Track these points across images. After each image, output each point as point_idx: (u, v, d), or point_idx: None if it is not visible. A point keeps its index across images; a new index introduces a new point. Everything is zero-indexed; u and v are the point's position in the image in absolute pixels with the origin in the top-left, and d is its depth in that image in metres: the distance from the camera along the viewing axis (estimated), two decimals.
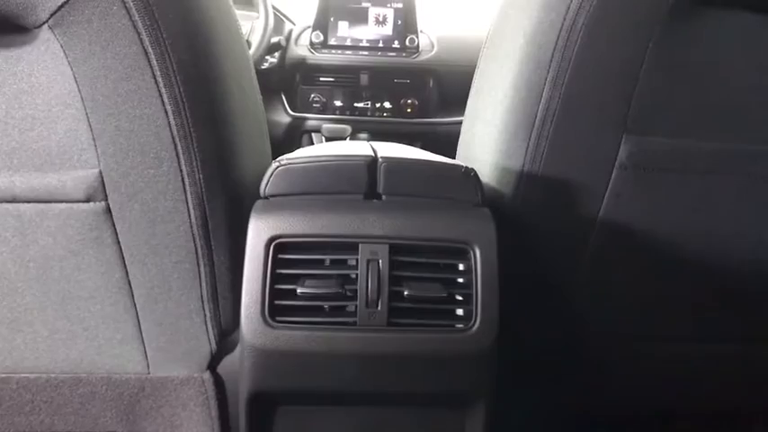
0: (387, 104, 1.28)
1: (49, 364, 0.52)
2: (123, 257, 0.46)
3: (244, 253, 0.44)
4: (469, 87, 1.39)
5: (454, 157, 1.40)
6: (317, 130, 1.31)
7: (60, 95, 0.41)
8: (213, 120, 0.45)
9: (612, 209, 0.48)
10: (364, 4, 1.27)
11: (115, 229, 0.45)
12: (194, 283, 0.48)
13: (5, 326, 0.49)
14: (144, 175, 0.44)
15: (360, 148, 0.54)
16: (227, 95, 0.47)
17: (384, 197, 0.46)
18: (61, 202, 0.44)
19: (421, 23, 1.30)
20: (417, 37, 1.27)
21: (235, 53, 0.51)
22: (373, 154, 0.47)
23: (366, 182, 0.45)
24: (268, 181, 0.45)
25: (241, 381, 0.45)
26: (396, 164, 0.46)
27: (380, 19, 1.27)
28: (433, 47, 1.29)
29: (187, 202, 0.45)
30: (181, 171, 0.44)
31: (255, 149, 0.56)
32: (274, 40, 1.21)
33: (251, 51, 1.14)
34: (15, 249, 0.46)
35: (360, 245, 0.43)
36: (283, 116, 1.30)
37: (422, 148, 1.30)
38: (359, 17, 1.28)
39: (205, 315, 0.50)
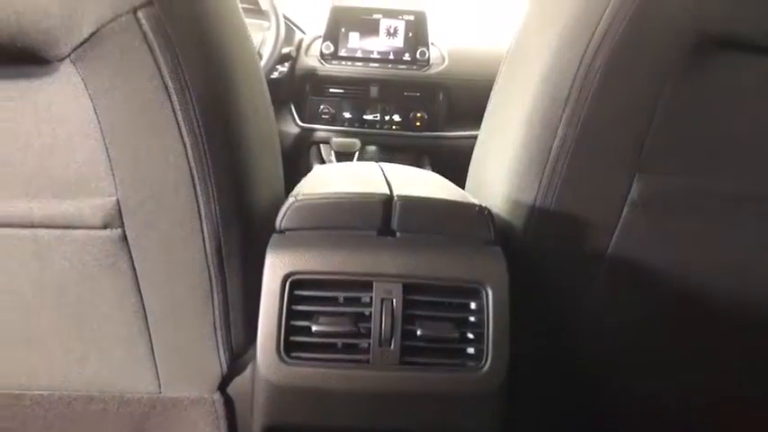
0: (396, 117, 1.27)
1: (63, 383, 0.52)
2: (138, 283, 0.47)
3: (256, 279, 0.44)
4: (479, 102, 1.38)
5: (463, 173, 1.40)
6: (326, 142, 1.31)
7: (80, 125, 0.41)
8: (230, 150, 0.45)
9: (622, 245, 0.48)
10: (375, 16, 1.27)
11: (131, 255, 0.46)
12: (207, 309, 0.48)
13: (21, 344, 0.50)
14: (161, 204, 0.44)
15: (371, 174, 0.54)
16: (244, 125, 0.48)
17: (398, 233, 0.46)
18: (78, 228, 0.45)
19: (432, 35, 1.29)
20: (428, 50, 1.27)
21: (251, 80, 0.51)
22: (388, 189, 0.47)
23: (381, 218, 0.46)
24: (284, 216, 0.45)
25: (255, 413, 0.45)
26: (410, 202, 0.46)
27: (391, 31, 1.27)
28: (443, 60, 1.29)
29: (202, 231, 0.45)
30: (197, 200, 0.44)
31: (269, 174, 0.56)
32: (285, 50, 1.21)
33: (262, 63, 1.14)
34: (33, 272, 0.47)
35: (374, 283, 0.43)
36: (292, 127, 1.30)
37: (430, 161, 1.31)
38: (370, 29, 1.27)
39: (217, 338, 0.50)
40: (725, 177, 0.47)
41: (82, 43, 0.38)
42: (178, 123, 0.41)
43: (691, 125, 0.45)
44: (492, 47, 1.39)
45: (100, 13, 0.37)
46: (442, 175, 1.29)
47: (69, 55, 0.39)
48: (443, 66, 1.28)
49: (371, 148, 1.32)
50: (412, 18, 1.27)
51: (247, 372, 0.52)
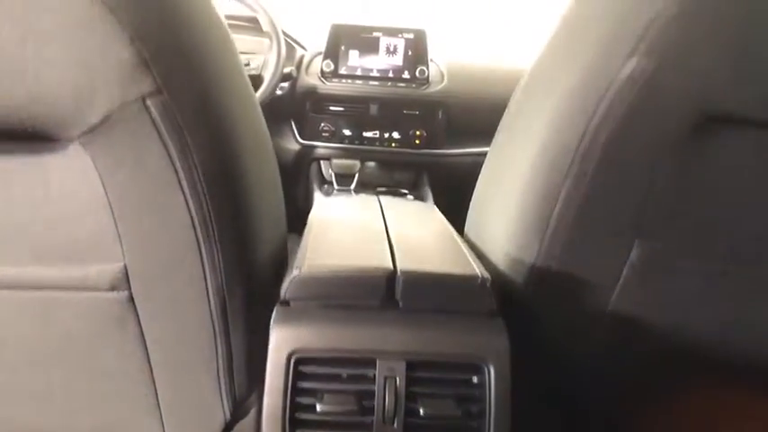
0: (395, 135, 1.29)
1: (68, 431, 0.54)
2: (144, 340, 0.48)
3: (260, 330, 0.46)
4: (478, 119, 1.40)
5: (462, 189, 1.40)
6: (327, 158, 1.32)
7: (88, 199, 0.43)
8: (236, 219, 0.47)
9: (622, 304, 0.50)
10: (375, 34, 1.28)
11: (137, 315, 0.47)
12: (211, 362, 0.50)
13: (29, 399, 0.51)
14: (167, 269, 0.45)
15: (373, 227, 0.55)
16: (251, 195, 0.49)
17: (401, 304, 0.48)
18: (86, 290, 0.46)
19: (431, 50, 1.30)
20: (427, 68, 1.28)
21: (259, 149, 0.53)
22: (390, 256, 0.49)
23: (384, 292, 0.47)
24: (288, 287, 0.47)
25: None
26: (413, 276, 0.47)
27: (391, 49, 1.28)
28: (442, 78, 1.30)
29: (207, 292, 0.47)
30: (203, 265, 0.45)
31: (273, 222, 0.57)
32: (286, 70, 1.22)
33: (263, 87, 1.14)
34: (40, 331, 0.48)
35: (377, 361, 0.45)
36: (292, 143, 1.31)
37: (429, 178, 1.33)
38: (370, 47, 1.28)
39: (220, 388, 0.51)
40: (724, 244, 0.48)
41: (91, 129, 0.39)
42: (186, 200, 0.42)
43: (690, 195, 0.46)
44: (490, 63, 1.41)
45: (109, 101, 0.38)
46: (441, 192, 1.31)
47: (78, 138, 0.40)
48: (442, 84, 1.29)
49: (371, 164, 1.33)
50: (411, 36, 1.28)
51: (250, 416, 0.54)
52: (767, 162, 0.45)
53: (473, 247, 0.63)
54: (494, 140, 0.65)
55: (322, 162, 1.34)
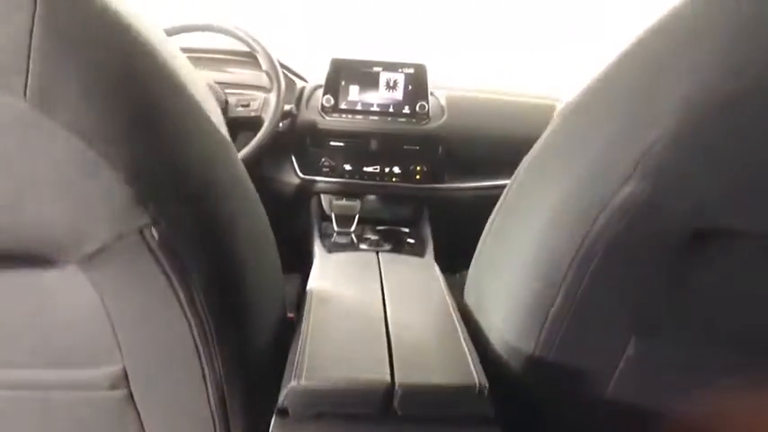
0: (396, 169, 1.29)
1: None
2: None
3: (260, 425, 0.46)
4: (479, 154, 1.39)
5: (462, 223, 1.40)
6: (327, 192, 1.32)
7: (86, 311, 0.43)
8: (234, 321, 0.47)
9: (619, 393, 0.50)
10: (375, 69, 1.28)
11: (137, 411, 0.48)
12: None
13: None
14: (165, 370, 0.46)
15: (373, 327, 0.55)
16: (250, 292, 0.49)
17: (400, 413, 0.48)
18: (85, 390, 0.46)
19: (431, 79, 1.29)
20: (428, 103, 1.27)
21: (260, 256, 0.54)
22: (390, 372, 0.49)
23: (382, 402, 0.47)
24: (286, 397, 0.47)
25: None
26: (412, 389, 0.48)
27: (391, 84, 1.28)
28: (443, 112, 1.30)
29: (207, 387, 0.47)
30: (201, 364, 0.46)
31: (273, 310, 0.58)
32: (286, 107, 1.22)
33: (263, 129, 1.14)
34: (40, 429, 0.48)
35: None
36: (293, 177, 1.31)
37: (429, 212, 1.33)
38: (370, 81, 1.28)
39: None
40: (721, 340, 0.48)
41: (89, 256, 0.39)
42: (184, 313, 0.43)
43: (686, 298, 0.46)
44: (490, 94, 1.40)
45: (105, 235, 0.38)
46: (441, 226, 1.31)
47: (75, 261, 0.40)
48: (443, 119, 1.29)
49: (371, 197, 1.33)
50: (411, 71, 1.28)
51: None
52: (759, 269, 0.45)
53: (472, 321, 0.63)
54: (496, 212, 0.65)
55: (322, 196, 1.34)
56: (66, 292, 0.43)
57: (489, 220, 0.66)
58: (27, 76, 0.33)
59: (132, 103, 0.36)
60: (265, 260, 0.56)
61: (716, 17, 0.37)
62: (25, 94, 0.33)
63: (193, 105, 0.43)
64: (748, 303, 0.46)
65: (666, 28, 0.41)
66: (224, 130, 0.49)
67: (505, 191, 0.61)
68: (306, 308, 0.62)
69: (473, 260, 0.70)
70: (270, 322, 0.56)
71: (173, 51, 0.44)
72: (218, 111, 0.49)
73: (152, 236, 0.39)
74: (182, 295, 0.42)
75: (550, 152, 0.52)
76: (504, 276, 0.55)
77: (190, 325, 0.43)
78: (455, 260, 1.30)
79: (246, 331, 0.50)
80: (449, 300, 0.66)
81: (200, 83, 0.49)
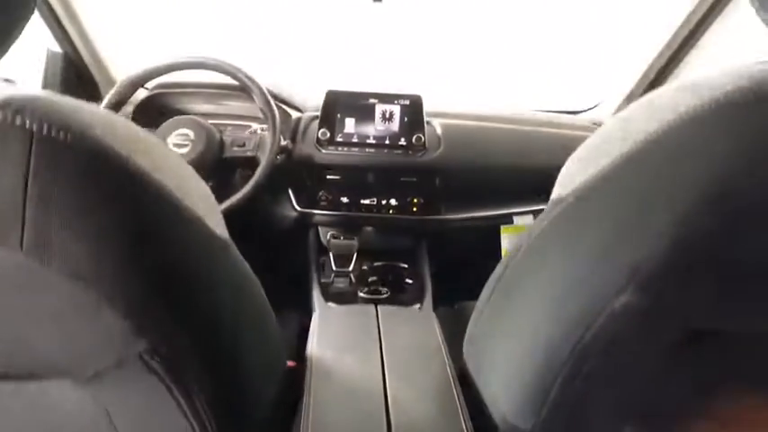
0: (393, 201, 1.28)
1: None
2: None
3: None
4: (475, 185, 1.39)
5: (459, 253, 1.39)
6: (324, 225, 1.32)
7: (89, 422, 0.43)
8: (237, 419, 0.47)
9: None
10: (371, 101, 1.27)
11: None
12: None
13: None
14: None
15: (371, 406, 0.56)
16: (256, 394, 0.50)
17: None
18: None
19: (427, 107, 1.29)
20: (424, 135, 1.27)
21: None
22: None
23: None
24: None
25: None
26: None
27: (387, 116, 1.27)
28: (439, 143, 1.29)
29: None
30: None
31: (276, 392, 0.58)
32: (282, 143, 1.21)
33: (259, 170, 1.13)
34: None
35: None
36: (290, 211, 1.31)
37: (427, 243, 1.33)
38: (366, 114, 1.28)
39: None
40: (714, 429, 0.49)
41: (87, 379, 0.40)
42: (187, 418, 0.43)
43: (685, 385, 0.47)
44: (486, 122, 1.40)
45: (104, 360, 0.39)
46: (439, 257, 1.30)
47: (75, 381, 0.41)
48: (439, 150, 1.28)
49: (369, 229, 1.33)
50: (407, 102, 1.27)
51: None
52: (752, 364, 0.46)
53: (473, 388, 0.64)
54: (496, 281, 0.65)
55: (320, 228, 1.34)
56: (69, 402, 0.43)
57: (488, 287, 0.66)
58: (23, 229, 0.32)
59: (127, 241, 0.36)
60: (267, 349, 0.56)
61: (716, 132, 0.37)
62: (21, 245, 0.33)
63: (190, 223, 0.42)
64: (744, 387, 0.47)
65: (667, 138, 0.41)
66: (221, 228, 0.49)
67: (504, 264, 0.61)
68: (306, 383, 0.62)
69: (471, 320, 0.70)
70: (270, 399, 0.56)
71: (164, 160, 0.43)
72: (216, 207, 0.48)
73: (152, 359, 0.39)
74: (183, 403, 0.42)
75: (551, 240, 0.52)
76: (506, 348, 0.56)
77: (193, 428, 0.44)
78: (453, 290, 1.30)
79: (249, 420, 0.50)
80: (449, 370, 0.66)
81: (189, 176, 0.47)
